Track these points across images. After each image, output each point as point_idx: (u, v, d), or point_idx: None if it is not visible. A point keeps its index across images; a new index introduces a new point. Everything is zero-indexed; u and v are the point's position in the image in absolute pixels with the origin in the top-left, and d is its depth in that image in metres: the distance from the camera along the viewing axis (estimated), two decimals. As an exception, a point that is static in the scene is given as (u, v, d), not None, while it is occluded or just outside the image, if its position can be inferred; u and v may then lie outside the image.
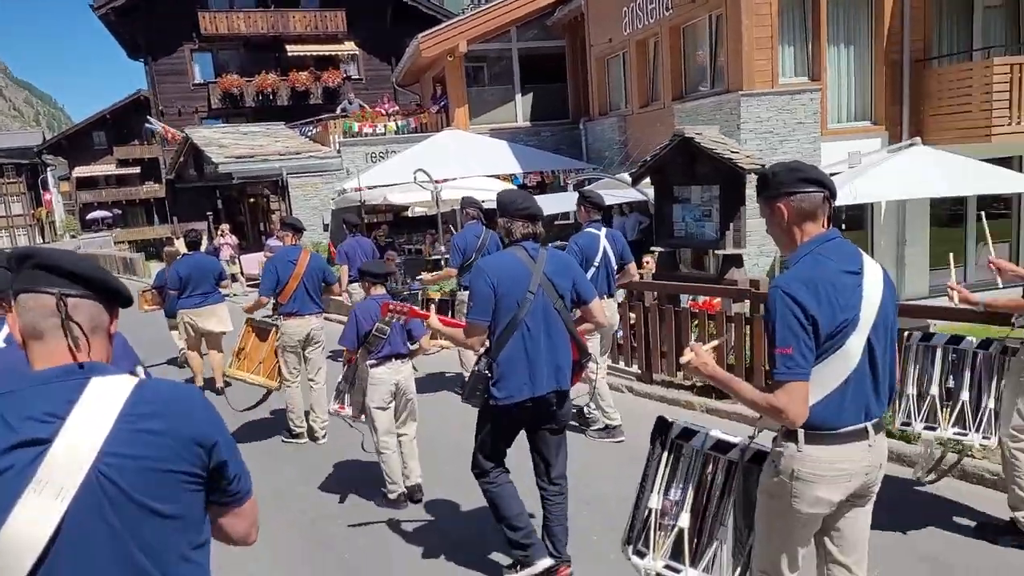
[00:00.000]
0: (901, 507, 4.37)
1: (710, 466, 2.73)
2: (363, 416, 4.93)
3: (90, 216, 49.15)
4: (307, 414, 6.52)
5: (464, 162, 14.08)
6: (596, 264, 5.83)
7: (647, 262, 9.62)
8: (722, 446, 2.71)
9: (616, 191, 12.59)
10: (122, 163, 46.98)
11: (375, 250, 10.04)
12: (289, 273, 6.18)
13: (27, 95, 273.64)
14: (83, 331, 1.56)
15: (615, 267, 6.00)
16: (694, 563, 2.69)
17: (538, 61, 19.53)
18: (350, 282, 8.87)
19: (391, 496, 4.98)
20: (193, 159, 21.86)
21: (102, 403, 1.49)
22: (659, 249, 8.50)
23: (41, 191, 58.76)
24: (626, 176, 10.22)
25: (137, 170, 47.11)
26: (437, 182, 11.58)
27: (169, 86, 28.39)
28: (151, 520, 1.51)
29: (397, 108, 20.38)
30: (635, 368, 7.43)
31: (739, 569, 2.64)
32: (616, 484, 4.87)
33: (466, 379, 3.85)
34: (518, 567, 3.86)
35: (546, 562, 3.80)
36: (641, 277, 7.65)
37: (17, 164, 57.16)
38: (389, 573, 4.25)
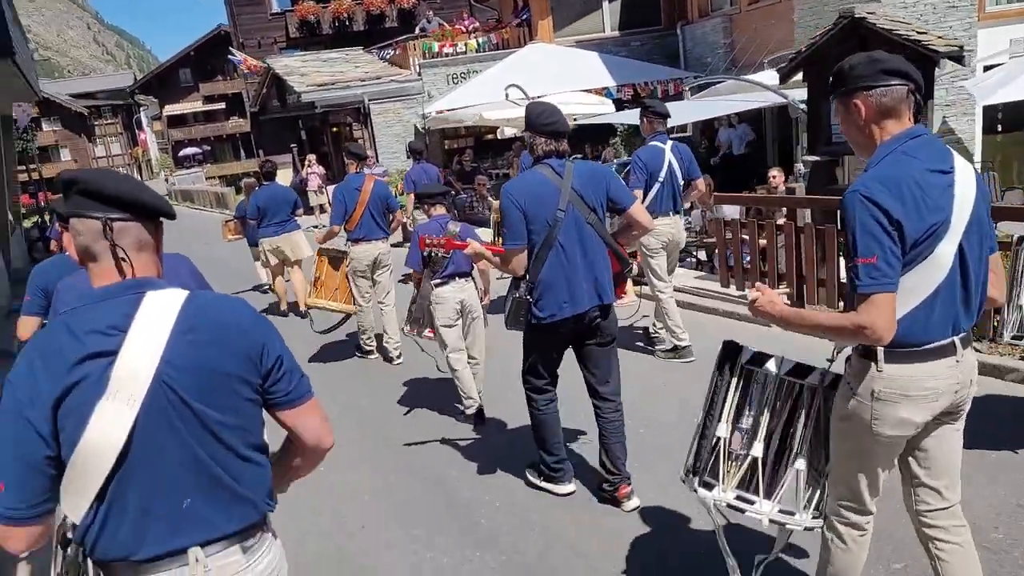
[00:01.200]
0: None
1: (784, 392, 2.57)
2: (429, 332, 5.08)
3: (182, 153, 50.48)
4: (379, 336, 6.82)
5: (554, 77, 13.25)
6: (661, 180, 5.61)
7: (707, 190, 8.78)
8: (799, 370, 2.55)
9: (719, 99, 11.57)
10: (208, 99, 47.73)
11: (440, 176, 10.05)
12: (355, 201, 6.38)
13: (118, 39, 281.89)
14: (131, 251, 1.64)
15: (681, 183, 5.75)
16: (769, 494, 2.56)
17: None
18: (415, 208, 9.15)
19: (468, 411, 5.09)
20: (276, 89, 21.66)
21: (157, 315, 1.59)
22: (812, 159, 7.44)
23: (136, 131, 60.62)
24: (760, 76, 9.18)
25: (222, 106, 47.79)
26: (532, 99, 10.82)
27: (247, 17, 28.13)
28: (209, 425, 1.61)
29: (477, 24, 19.43)
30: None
31: (816, 498, 2.52)
32: (681, 408, 4.79)
33: (507, 303, 3.76)
34: (540, 478, 4.04)
35: (566, 488, 3.95)
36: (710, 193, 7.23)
37: (113, 105, 58.94)
38: (467, 482, 4.36)
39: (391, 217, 6.76)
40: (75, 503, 1.57)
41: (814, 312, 2.39)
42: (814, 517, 2.52)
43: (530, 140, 3.63)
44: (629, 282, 5.23)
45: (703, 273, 8.36)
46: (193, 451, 1.61)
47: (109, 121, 59.70)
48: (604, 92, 13.93)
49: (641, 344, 6.29)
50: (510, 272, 3.70)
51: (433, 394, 5.70)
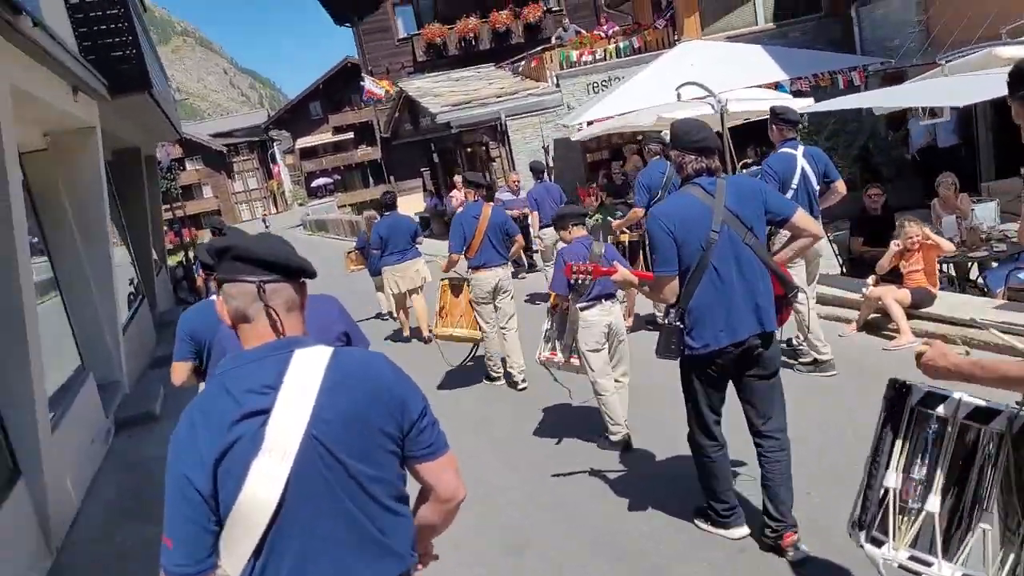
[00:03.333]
0: None
1: (966, 438, 2.24)
2: (575, 360, 4.96)
3: (314, 184, 52.06)
4: (503, 361, 6.77)
5: (718, 75, 11.72)
6: (794, 186, 5.43)
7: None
8: (982, 413, 2.20)
9: (911, 93, 9.64)
10: (337, 130, 48.99)
11: (563, 195, 10.08)
12: (474, 228, 6.45)
13: (251, 81, 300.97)
14: (282, 311, 1.72)
15: (816, 188, 5.57)
16: (948, 555, 2.22)
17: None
18: (542, 227, 9.23)
19: (614, 438, 4.94)
20: (409, 113, 21.15)
21: (306, 373, 1.66)
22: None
23: (271, 165, 63.29)
24: (1004, 51, 7.37)
25: (351, 135, 48.91)
26: (711, 95, 9.34)
27: (375, 44, 28.12)
28: (357, 477, 1.66)
29: (616, 28, 18.12)
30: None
31: (1011, 563, 2.11)
32: (822, 427, 4.71)
33: (657, 332, 3.60)
34: (710, 524, 3.76)
35: (742, 531, 3.66)
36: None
37: (249, 142, 61.85)
38: (600, 512, 4.27)
39: (510, 243, 6.77)
40: (234, 559, 1.61)
41: (996, 361, 1.97)
42: None
43: (678, 159, 3.44)
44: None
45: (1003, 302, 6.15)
46: (344, 504, 1.66)
47: (246, 157, 62.64)
48: (775, 87, 12.24)
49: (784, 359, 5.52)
50: (660, 300, 3.58)
51: (572, 422, 5.53)
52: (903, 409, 2.36)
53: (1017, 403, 2.14)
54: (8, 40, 4.91)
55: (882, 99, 9.04)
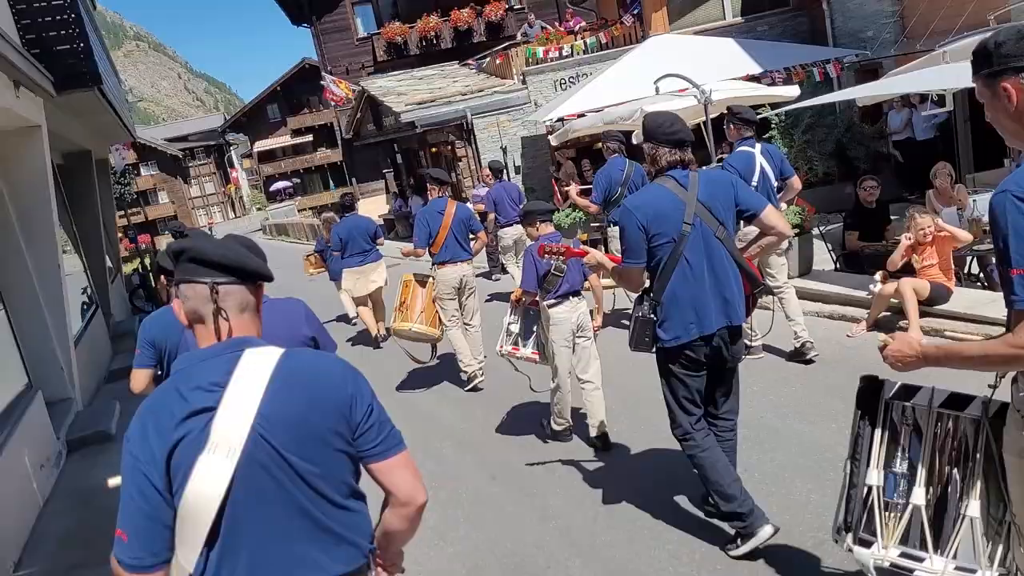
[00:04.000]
0: None
1: (942, 428, 2.26)
2: (535, 355, 5.10)
3: (273, 188, 50.99)
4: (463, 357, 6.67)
5: (690, 69, 11.48)
6: (755, 184, 5.51)
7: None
8: (956, 401, 2.24)
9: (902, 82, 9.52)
10: (295, 132, 48.06)
11: (522, 194, 10.26)
12: (439, 224, 6.47)
13: (206, 85, 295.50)
14: (234, 312, 1.75)
15: (775, 184, 5.73)
16: (939, 548, 2.19)
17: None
18: (500, 227, 9.45)
19: (556, 427, 5.10)
20: (371, 113, 20.64)
21: (254, 372, 1.68)
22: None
23: (228, 169, 61.99)
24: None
25: (310, 138, 48.06)
26: (694, 86, 9.07)
27: (334, 44, 27.50)
28: (304, 475, 1.68)
29: (584, 24, 17.86)
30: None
31: (1000, 552, 2.10)
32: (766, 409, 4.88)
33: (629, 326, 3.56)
34: (739, 540, 3.48)
35: (768, 530, 3.40)
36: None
37: (205, 146, 60.47)
38: (579, 511, 4.22)
39: (474, 239, 6.79)
40: (186, 552, 1.65)
41: (961, 345, 1.99)
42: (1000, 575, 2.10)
43: (652, 151, 3.41)
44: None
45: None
46: (295, 498, 1.68)
47: (202, 162, 61.19)
48: (753, 79, 12.07)
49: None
50: (625, 287, 3.66)
51: (535, 417, 5.51)
52: (878, 404, 2.34)
53: (991, 386, 2.13)
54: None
55: (895, 86, 8.79)
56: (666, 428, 3.68)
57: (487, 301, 9.40)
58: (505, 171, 9.86)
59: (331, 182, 47.20)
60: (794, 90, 9.72)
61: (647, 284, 3.45)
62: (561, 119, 12.88)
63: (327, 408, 1.71)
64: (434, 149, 19.53)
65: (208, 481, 1.61)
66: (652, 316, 3.38)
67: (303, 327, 3.03)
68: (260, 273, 1.81)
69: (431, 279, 6.61)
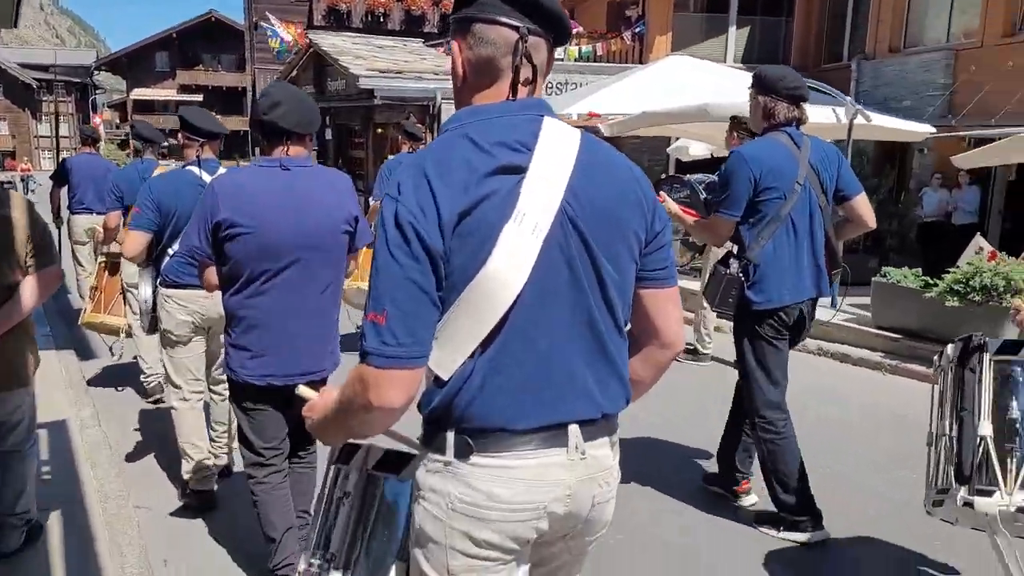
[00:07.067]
0: None
1: None
2: None
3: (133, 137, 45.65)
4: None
5: (729, 92, 10.23)
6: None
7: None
8: None
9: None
10: (185, 89, 43.17)
11: None
12: None
13: (71, 24, 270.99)
14: (540, 73, 1.43)
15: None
16: None
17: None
18: None
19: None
20: (312, 74, 17.92)
21: (561, 141, 1.40)
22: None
23: (91, 113, 55.44)
24: None
25: (200, 97, 43.34)
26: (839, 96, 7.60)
27: (265, -6, 24.48)
28: (603, 276, 1.40)
29: (580, 30, 16.35)
30: None
31: None
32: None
33: (709, 281, 3.42)
34: (781, 527, 3.40)
35: (822, 534, 3.33)
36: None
37: (67, 82, 53.72)
38: None
39: None
40: (451, 352, 1.32)
41: None
42: None
43: (770, 105, 3.28)
44: None
45: None
46: (586, 305, 1.39)
47: (61, 99, 54.23)
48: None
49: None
50: (708, 241, 3.82)
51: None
52: (981, 362, 2.40)
53: None
54: None
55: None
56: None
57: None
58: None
59: (234, 154, 42.76)
60: (926, 127, 8.50)
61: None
62: (593, 114, 11.17)
63: (632, 204, 1.43)
64: (380, 130, 17.14)
65: (515, 258, 1.29)
66: (741, 276, 3.24)
67: (350, 203, 2.76)
68: (565, 24, 1.44)
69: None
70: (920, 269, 6.54)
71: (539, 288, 1.32)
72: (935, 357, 2.62)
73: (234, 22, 40.76)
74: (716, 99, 8.26)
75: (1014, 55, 10.20)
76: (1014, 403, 2.34)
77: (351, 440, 1.64)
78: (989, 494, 2.27)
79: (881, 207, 11.23)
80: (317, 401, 1.61)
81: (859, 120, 7.54)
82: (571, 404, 1.37)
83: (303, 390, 1.77)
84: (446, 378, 1.32)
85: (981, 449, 2.31)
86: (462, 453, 1.34)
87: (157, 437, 4.42)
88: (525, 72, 1.39)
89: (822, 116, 7.57)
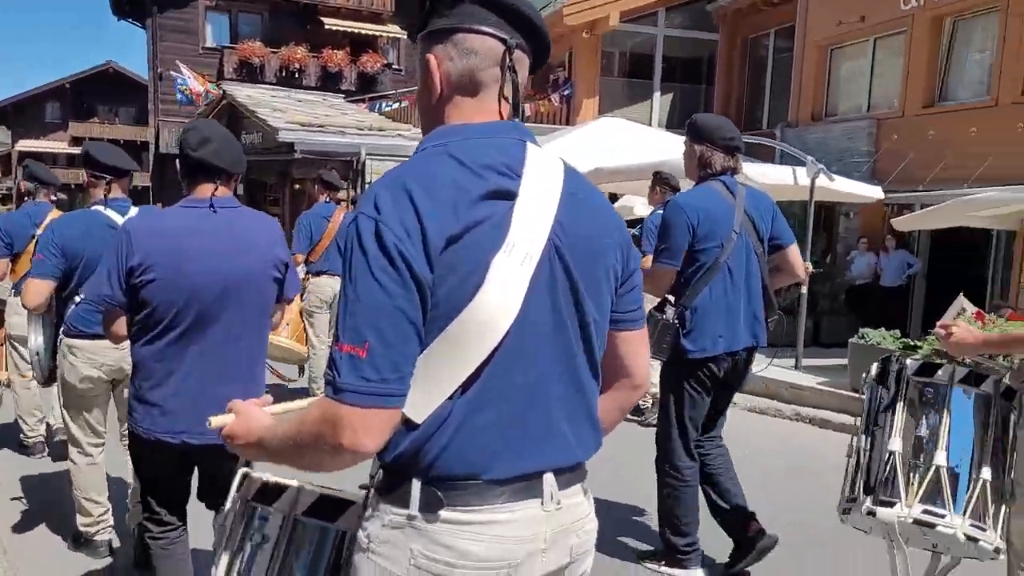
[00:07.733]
0: None
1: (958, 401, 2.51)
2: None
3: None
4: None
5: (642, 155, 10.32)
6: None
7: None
8: (973, 378, 2.50)
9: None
10: (77, 141, 40.76)
11: None
12: (323, 230, 6.03)
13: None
14: (519, 89, 1.33)
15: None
16: (957, 507, 2.39)
17: (683, 55, 16.09)
18: None
19: None
20: (227, 127, 17.03)
21: (547, 169, 1.31)
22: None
23: (-30, 165, 51.65)
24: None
25: (93, 151, 41.11)
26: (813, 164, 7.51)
27: (172, 45, 23.39)
28: (584, 314, 1.32)
29: (508, 89, 16.29)
30: None
31: (1002, 515, 2.39)
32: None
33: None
34: (663, 564, 3.48)
35: (699, 573, 3.43)
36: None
37: (-56, 132, 50.02)
38: None
39: None
40: (427, 393, 1.19)
41: (1009, 333, 2.32)
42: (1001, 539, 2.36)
43: (707, 155, 3.29)
44: None
45: None
46: (567, 342, 1.31)
47: (-65, 148, 50.36)
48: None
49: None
50: (648, 292, 3.23)
51: None
52: (900, 380, 2.53)
53: (1008, 367, 2.62)
54: None
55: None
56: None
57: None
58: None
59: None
60: (876, 191, 8.54)
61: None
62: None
63: (612, 239, 1.37)
64: (297, 185, 16.39)
65: (506, 291, 1.19)
66: (676, 323, 3.25)
67: (279, 248, 2.64)
68: (548, 49, 1.39)
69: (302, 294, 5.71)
70: (898, 331, 6.37)
71: (521, 324, 1.22)
72: (863, 375, 2.72)
73: (134, 74, 39.09)
74: (663, 157, 8.12)
75: (935, 125, 10.60)
76: (924, 421, 2.50)
77: (273, 479, 1.56)
78: (891, 505, 2.42)
79: (815, 268, 11.36)
80: (237, 427, 1.42)
81: (820, 181, 7.49)
82: (547, 451, 1.30)
83: (216, 420, 1.54)
84: (419, 421, 1.20)
85: (889, 464, 2.47)
86: (430, 507, 1.23)
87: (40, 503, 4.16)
88: (509, 88, 1.31)
89: (784, 176, 7.49)
